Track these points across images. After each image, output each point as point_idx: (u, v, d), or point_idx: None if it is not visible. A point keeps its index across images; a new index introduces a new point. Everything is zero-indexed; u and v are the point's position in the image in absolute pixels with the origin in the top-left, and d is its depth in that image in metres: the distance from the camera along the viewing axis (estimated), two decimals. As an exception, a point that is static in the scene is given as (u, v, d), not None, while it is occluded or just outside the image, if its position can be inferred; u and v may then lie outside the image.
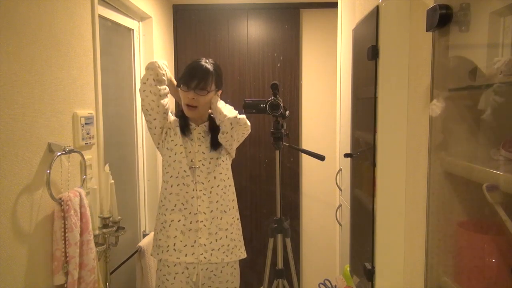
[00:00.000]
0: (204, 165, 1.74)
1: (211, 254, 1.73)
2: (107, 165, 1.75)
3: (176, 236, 1.72)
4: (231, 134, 1.72)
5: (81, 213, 1.43)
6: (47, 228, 1.35)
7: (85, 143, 1.59)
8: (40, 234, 1.31)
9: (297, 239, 3.19)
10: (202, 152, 1.75)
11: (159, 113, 1.71)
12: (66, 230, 1.36)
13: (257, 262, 2.96)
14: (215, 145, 1.77)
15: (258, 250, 2.93)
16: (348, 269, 1.81)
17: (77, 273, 1.38)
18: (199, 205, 1.72)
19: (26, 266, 1.24)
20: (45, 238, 1.34)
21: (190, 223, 1.72)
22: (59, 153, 1.35)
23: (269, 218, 2.20)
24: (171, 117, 1.82)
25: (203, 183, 1.73)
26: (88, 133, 1.60)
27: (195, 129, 1.77)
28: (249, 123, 1.77)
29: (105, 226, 1.69)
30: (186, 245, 1.72)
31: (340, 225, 2.52)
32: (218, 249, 1.75)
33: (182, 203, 1.73)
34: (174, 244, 1.72)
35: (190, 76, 1.68)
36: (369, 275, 1.28)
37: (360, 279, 1.50)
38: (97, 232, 1.61)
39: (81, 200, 1.43)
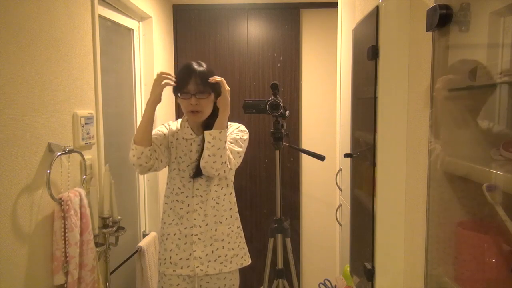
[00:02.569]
0: (202, 178, 1.72)
1: (208, 266, 1.73)
2: (107, 165, 1.75)
3: (172, 250, 1.74)
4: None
5: (81, 213, 1.43)
6: (47, 228, 1.35)
7: (85, 143, 1.59)
8: (40, 234, 1.31)
9: (297, 239, 3.19)
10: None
11: (150, 158, 1.63)
12: (66, 230, 1.36)
13: (257, 262, 2.95)
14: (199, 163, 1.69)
15: (258, 250, 2.93)
16: (348, 269, 1.81)
17: (77, 273, 1.38)
18: (195, 219, 1.72)
19: (26, 266, 1.24)
20: (45, 238, 1.34)
21: (185, 236, 1.73)
22: (59, 153, 1.35)
23: (269, 218, 2.20)
24: (170, 128, 1.78)
25: (201, 196, 1.72)
26: (88, 133, 1.60)
27: (194, 140, 1.73)
28: (227, 163, 1.63)
29: (105, 226, 1.69)
30: (181, 258, 1.73)
31: (340, 225, 2.52)
32: (215, 260, 1.74)
33: (179, 218, 1.74)
34: (170, 257, 1.74)
35: (187, 82, 1.61)
36: (369, 275, 1.28)
37: (360, 279, 1.50)
38: (97, 232, 1.61)
39: (81, 200, 1.43)
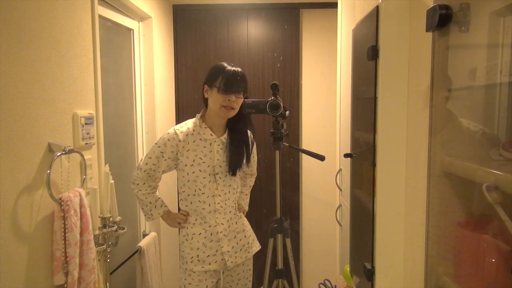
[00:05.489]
0: (220, 178, 1.80)
1: (236, 256, 1.84)
2: (107, 165, 1.75)
3: (198, 248, 1.80)
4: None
5: (81, 213, 1.43)
6: (47, 228, 1.35)
7: (85, 143, 1.59)
8: (40, 234, 1.31)
9: (297, 239, 3.19)
10: (219, 166, 1.79)
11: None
12: (66, 230, 1.36)
13: (257, 262, 2.95)
14: (235, 159, 1.80)
15: (258, 250, 2.93)
16: (348, 269, 1.81)
17: (77, 273, 1.38)
18: (217, 217, 1.80)
19: (26, 266, 1.24)
20: (45, 238, 1.34)
21: (211, 235, 1.80)
22: (59, 153, 1.35)
23: (269, 218, 2.21)
24: (181, 134, 1.78)
25: (220, 196, 1.80)
26: (88, 133, 1.60)
27: (215, 141, 1.80)
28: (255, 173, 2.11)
29: (105, 226, 1.69)
30: (208, 255, 1.80)
31: (340, 225, 2.51)
32: (241, 250, 1.86)
33: (202, 218, 1.80)
34: (198, 255, 1.80)
35: (231, 81, 1.74)
36: (369, 275, 1.28)
37: (360, 279, 1.50)
38: (97, 232, 1.61)
39: (81, 200, 1.43)
